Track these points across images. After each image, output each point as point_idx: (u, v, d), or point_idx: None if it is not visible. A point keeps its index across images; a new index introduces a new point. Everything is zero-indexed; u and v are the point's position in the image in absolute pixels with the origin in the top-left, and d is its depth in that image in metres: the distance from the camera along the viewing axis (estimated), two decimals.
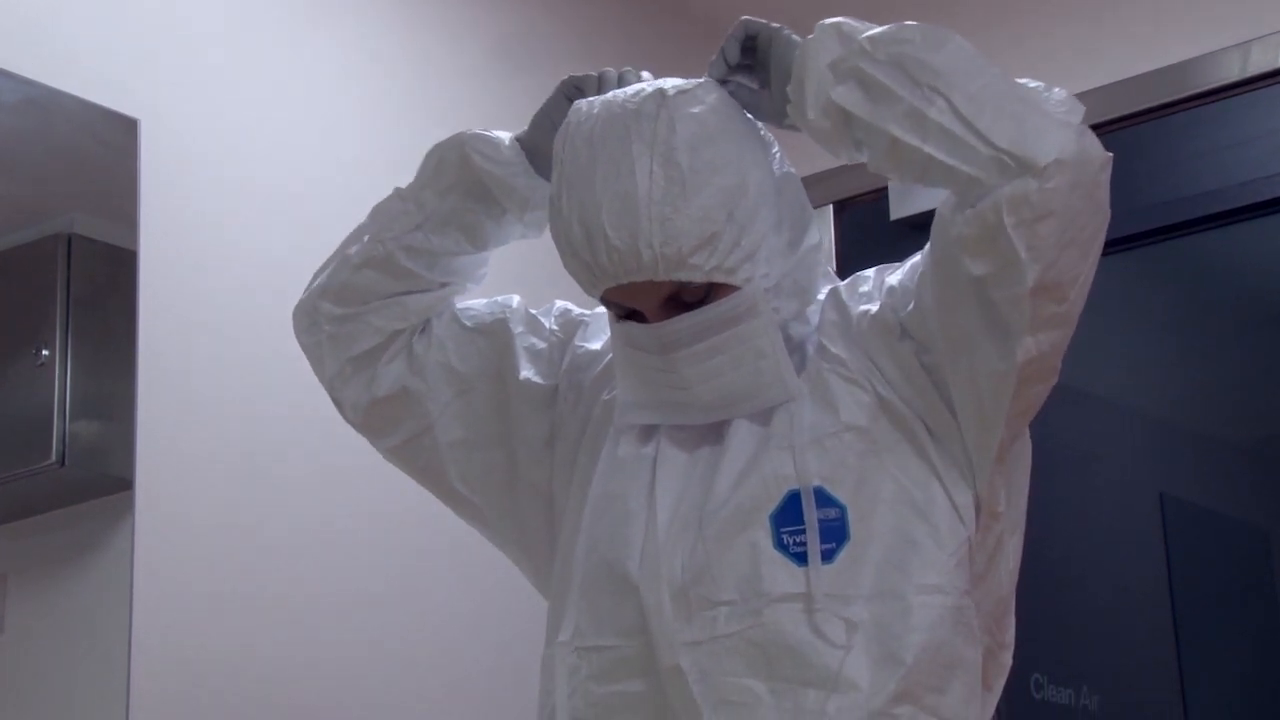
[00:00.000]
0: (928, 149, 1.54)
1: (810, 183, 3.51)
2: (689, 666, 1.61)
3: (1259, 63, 3.19)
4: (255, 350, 2.70)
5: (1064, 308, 1.58)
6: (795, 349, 1.72)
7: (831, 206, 3.57)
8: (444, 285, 1.88)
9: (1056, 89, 1.59)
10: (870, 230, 3.54)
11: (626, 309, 1.69)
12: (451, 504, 1.94)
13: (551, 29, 3.36)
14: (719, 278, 1.63)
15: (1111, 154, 1.59)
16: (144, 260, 2.55)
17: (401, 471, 1.98)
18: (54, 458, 2.42)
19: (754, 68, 1.70)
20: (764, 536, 1.62)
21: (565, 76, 1.81)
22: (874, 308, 1.70)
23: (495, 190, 1.81)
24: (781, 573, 1.61)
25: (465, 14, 3.21)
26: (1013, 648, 1.76)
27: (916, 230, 3.51)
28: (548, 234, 1.73)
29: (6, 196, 2.49)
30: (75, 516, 2.51)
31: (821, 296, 1.77)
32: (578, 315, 1.91)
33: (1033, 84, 1.59)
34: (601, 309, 1.80)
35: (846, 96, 1.57)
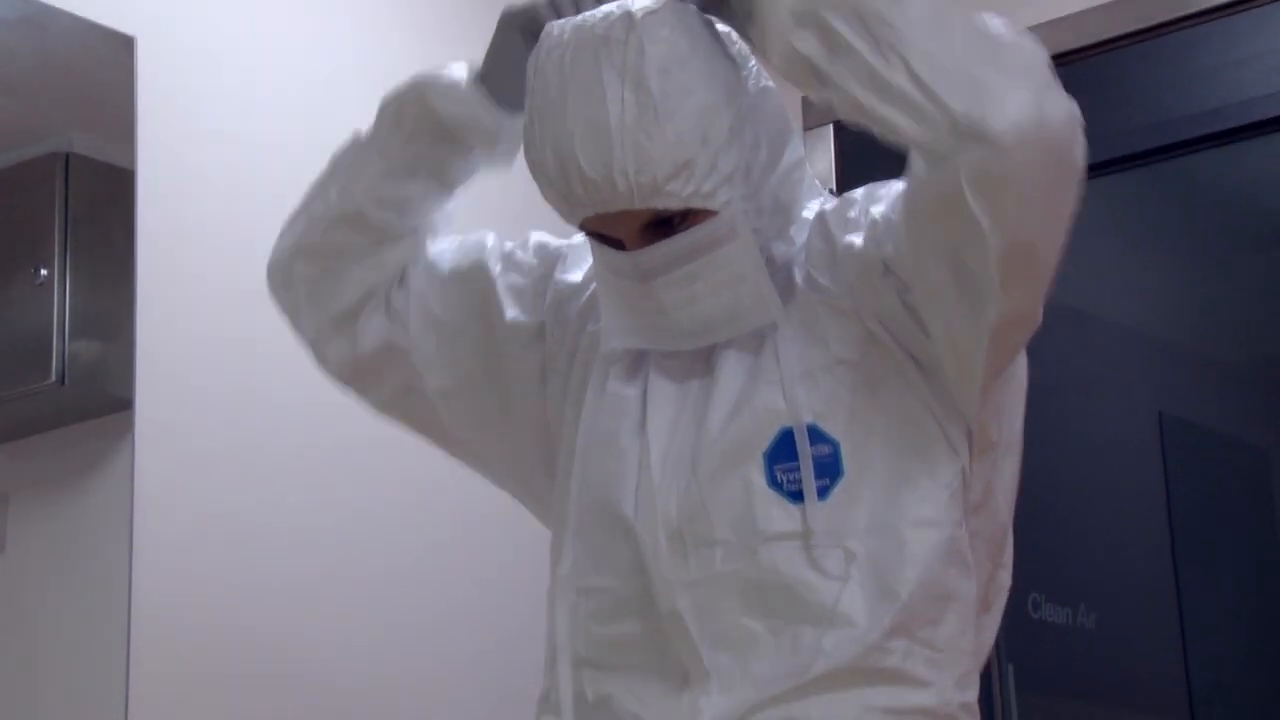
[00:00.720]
0: (884, 110, 1.51)
1: (810, 103, 3.52)
2: (686, 606, 1.62)
3: None
4: (254, 268, 2.67)
5: (1036, 267, 1.56)
6: (779, 269, 1.70)
7: (831, 126, 3.55)
8: (415, 231, 1.85)
9: (1023, 38, 1.53)
10: (869, 150, 3.51)
11: (606, 236, 1.67)
12: (448, 449, 1.93)
13: None
14: (696, 203, 1.60)
15: (1077, 111, 1.54)
16: (142, 179, 2.55)
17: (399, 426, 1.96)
18: (53, 377, 2.42)
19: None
20: (757, 474, 1.62)
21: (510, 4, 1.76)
22: (858, 240, 1.68)
23: (460, 131, 1.77)
24: (776, 510, 1.61)
25: None
26: (1011, 567, 1.77)
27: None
28: (522, 164, 1.70)
29: (3, 115, 2.48)
30: (75, 436, 2.51)
31: (808, 214, 1.74)
32: (555, 247, 1.89)
33: (998, 31, 1.53)
34: (580, 237, 1.78)
35: (808, 45, 1.53)
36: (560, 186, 1.61)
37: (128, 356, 2.49)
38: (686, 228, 1.61)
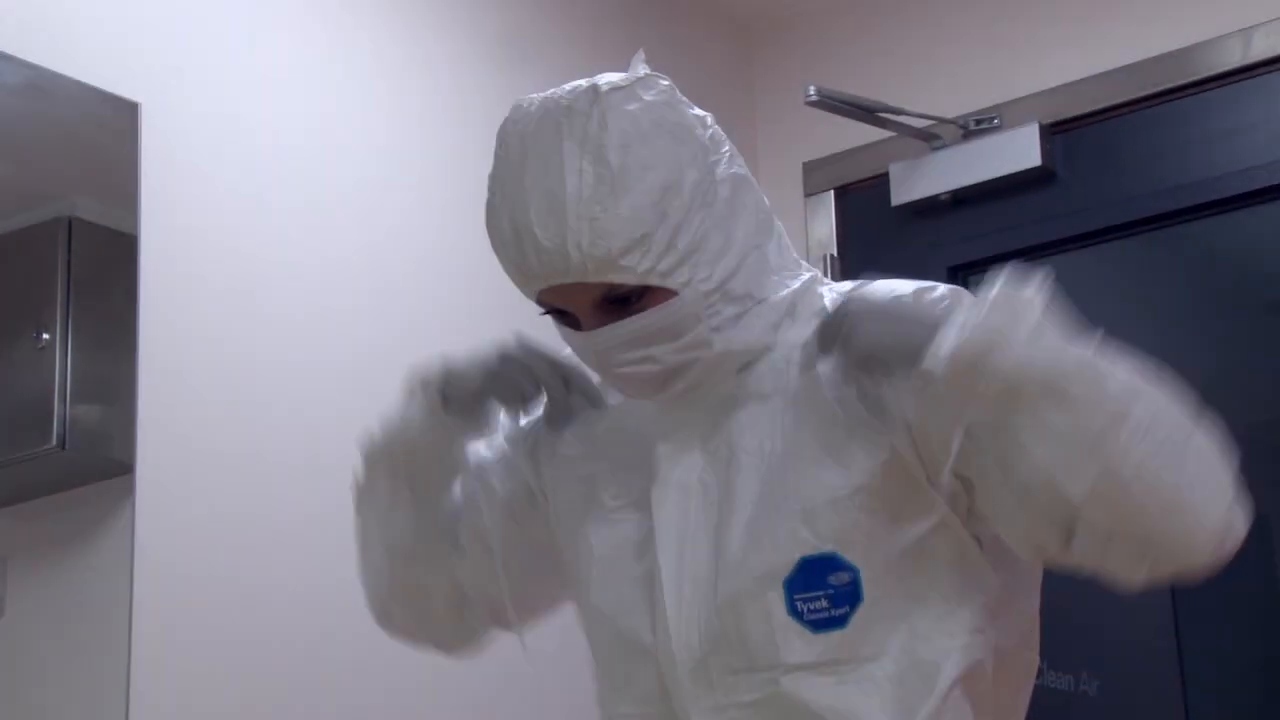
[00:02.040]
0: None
1: (811, 168, 3.54)
2: None
3: (1261, 49, 3.19)
4: (255, 335, 2.70)
5: None
6: (755, 355, 1.67)
7: (832, 192, 3.57)
8: (454, 521, 1.85)
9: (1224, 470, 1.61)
10: (871, 216, 3.54)
11: (558, 311, 1.63)
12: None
13: (555, 18, 3.36)
14: (653, 281, 1.56)
15: (1243, 528, 1.63)
16: (144, 244, 2.55)
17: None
18: (55, 441, 2.42)
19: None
20: (778, 604, 1.60)
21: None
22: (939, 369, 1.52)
23: (441, 454, 1.80)
24: (798, 641, 1.59)
25: (467, 2, 3.22)
26: (1038, 646, 1.75)
27: (917, 215, 3.51)
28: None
29: (7, 180, 2.48)
30: (76, 500, 2.51)
31: (793, 293, 1.69)
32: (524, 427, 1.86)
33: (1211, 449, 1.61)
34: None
35: (1029, 374, 1.49)
36: (515, 256, 1.58)
37: (129, 420, 2.49)
38: (643, 308, 1.58)
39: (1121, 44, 3.32)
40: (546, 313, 1.64)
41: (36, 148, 2.51)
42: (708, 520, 1.64)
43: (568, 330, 1.63)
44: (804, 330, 1.65)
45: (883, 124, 3.32)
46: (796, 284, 1.69)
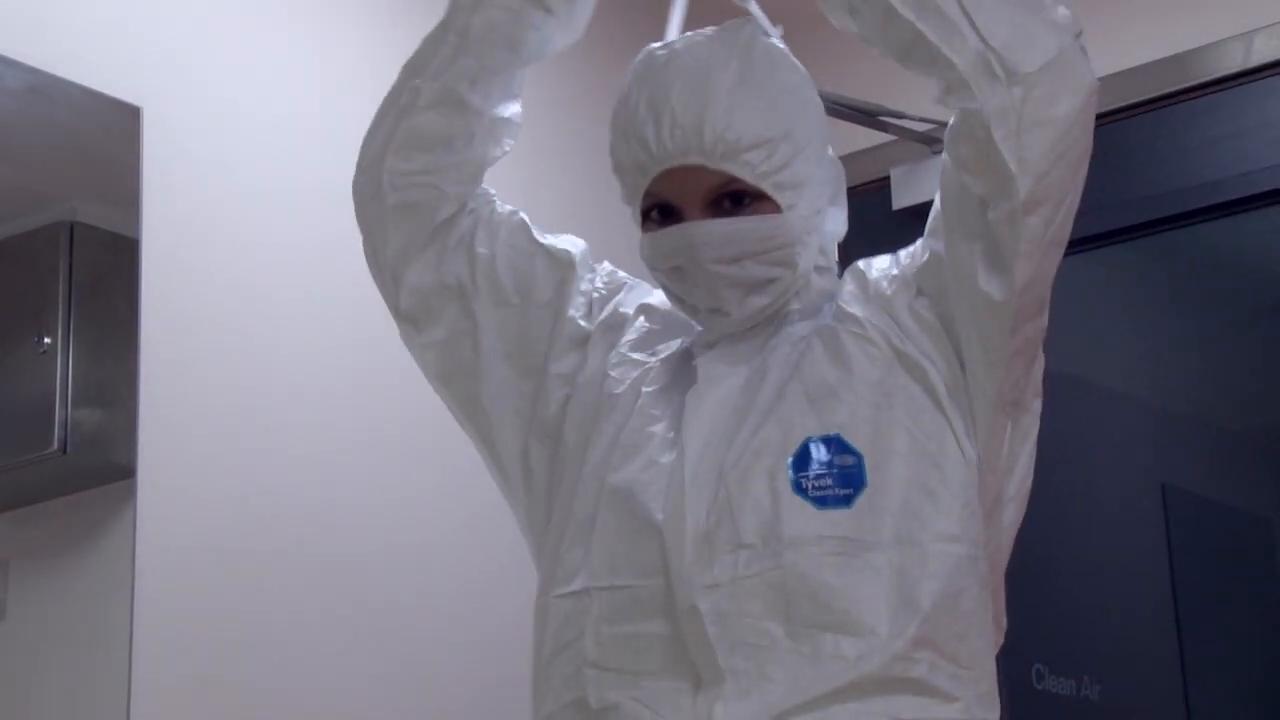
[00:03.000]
0: (920, 25, 1.59)
1: None
2: (707, 609, 1.61)
3: (1262, 52, 3.19)
4: (257, 338, 2.70)
5: (1052, 230, 1.61)
6: (815, 298, 1.77)
7: None
8: (493, 128, 1.84)
9: (1062, 7, 1.61)
10: (873, 220, 3.53)
11: (665, 212, 1.71)
12: (464, 414, 1.90)
13: None
14: (767, 186, 1.67)
15: (1098, 82, 1.61)
16: (146, 247, 2.55)
17: (423, 372, 1.91)
18: (56, 445, 2.42)
19: None
20: (783, 479, 1.64)
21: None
22: (894, 270, 1.75)
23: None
24: (801, 515, 1.62)
25: None
26: (1004, 630, 1.77)
27: (919, 219, 3.50)
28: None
29: (9, 184, 2.48)
30: (77, 504, 2.51)
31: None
32: (622, 278, 1.91)
33: None
34: (638, 283, 1.88)
35: None
36: (648, 133, 1.68)
37: (130, 424, 2.49)
38: (748, 213, 1.68)
39: (1122, 48, 3.32)
40: (647, 214, 1.72)
41: (38, 152, 2.51)
42: (732, 425, 1.69)
43: (664, 232, 1.71)
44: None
45: (884, 127, 3.32)
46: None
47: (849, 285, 1.76)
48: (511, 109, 1.86)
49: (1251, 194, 3.23)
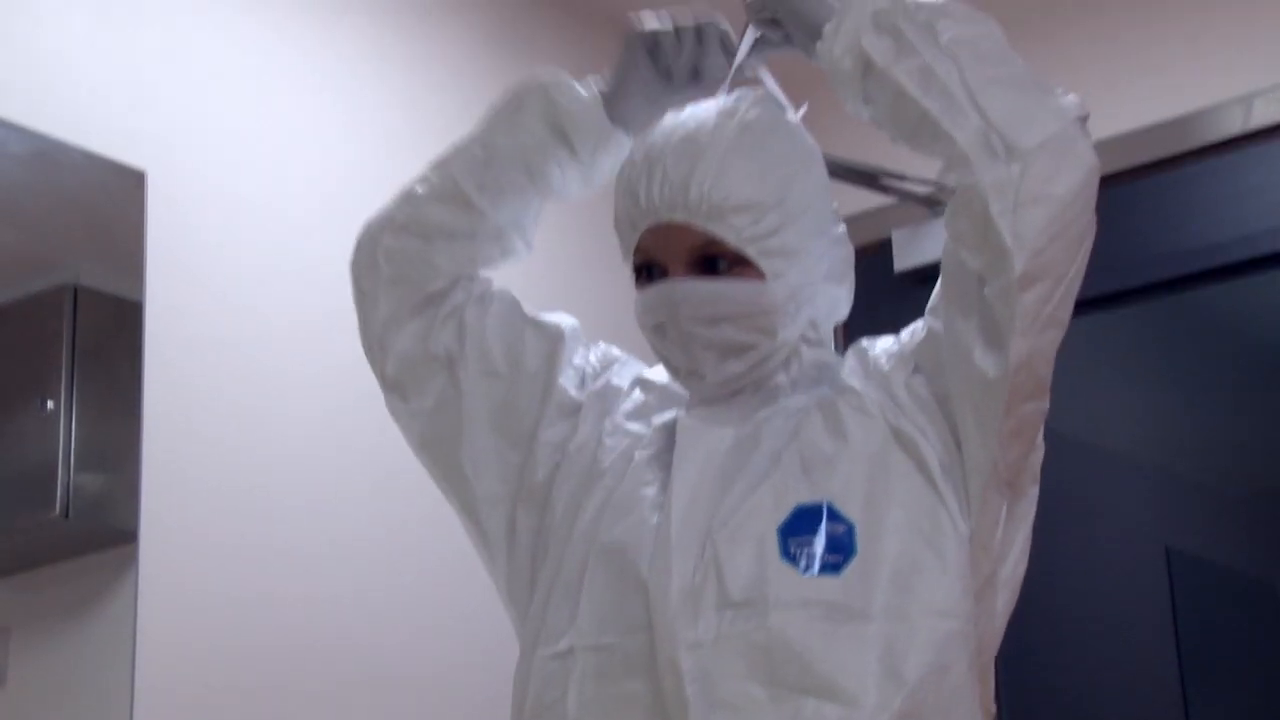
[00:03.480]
0: (925, 104, 1.60)
1: None
2: (689, 667, 1.61)
3: (1261, 116, 3.20)
4: (260, 404, 2.70)
5: (1050, 308, 1.60)
6: (806, 370, 1.76)
7: None
8: (500, 235, 1.88)
9: (1072, 94, 1.63)
10: (874, 283, 3.53)
11: (652, 270, 1.72)
12: (446, 483, 1.90)
13: (553, 54, 3.37)
14: (750, 251, 1.67)
15: (1098, 163, 1.61)
16: (149, 311, 2.56)
17: (405, 438, 1.92)
18: (58, 510, 2.41)
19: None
20: (772, 545, 1.63)
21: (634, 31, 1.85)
22: (894, 348, 1.75)
23: (570, 128, 1.83)
24: (788, 580, 1.61)
25: (477, 70, 3.23)
26: (992, 716, 1.75)
27: (920, 282, 3.52)
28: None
29: (13, 248, 2.49)
30: (79, 569, 2.50)
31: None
32: (614, 355, 1.93)
33: (1049, 83, 1.64)
34: (631, 358, 1.88)
35: (876, 46, 1.64)
36: (639, 186, 1.70)
37: (132, 489, 2.48)
38: (731, 277, 1.69)
39: (1123, 111, 3.33)
40: (638, 270, 1.74)
41: (43, 216, 2.52)
42: (720, 485, 1.69)
43: (649, 289, 1.73)
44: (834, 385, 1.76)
45: (884, 190, 3.33)
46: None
47: (850, 362, 1.76)
48: (519, 230, 1.90)
49: (1252, 257, 3.24)
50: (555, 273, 3.00)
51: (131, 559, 2.46)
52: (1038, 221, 1.56)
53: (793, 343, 1.75)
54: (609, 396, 1.87)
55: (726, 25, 1.84)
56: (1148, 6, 3.40)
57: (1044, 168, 1.56)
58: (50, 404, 2.44)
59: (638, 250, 1.73)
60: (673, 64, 1.82)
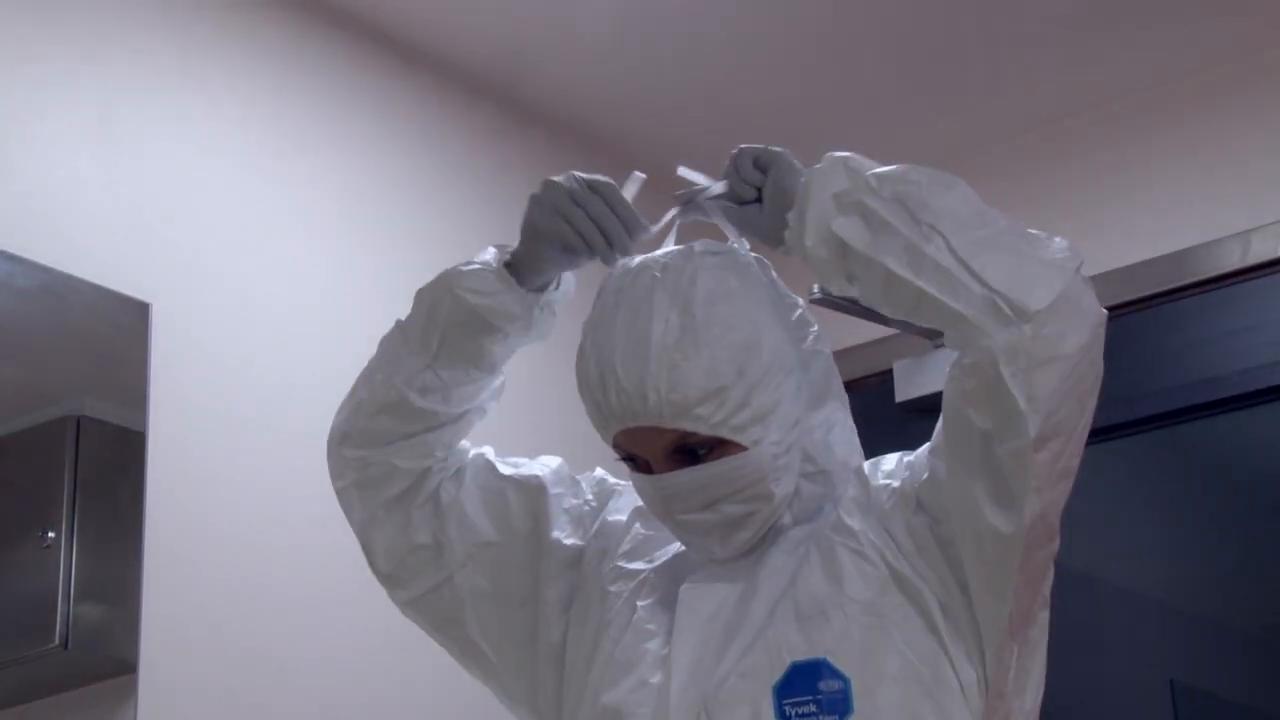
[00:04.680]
0: (920, 283, 1.56)
1: None
2: None
3: (1259, 251, 3.23)
4: (262, 536, 2.70)
5: (1062, 463, 1.58)
6: (807, 515, 1.74)
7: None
8: (462, 415, 1.86)
9: (1058, 238, 1.60)
10: (876, 413, 3.54)
11: (635, 457, 1.70)
12: (465, 658, 1.90)
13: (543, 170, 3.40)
14: (724, 434, 1.64)
15: (1106, 311, 1.59)
16: (152, 442, 2.56)
17: (419, 626, 1.92)
18: (57, 640, 2.40)
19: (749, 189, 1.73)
20: (767, 707, 1.61)
21: (531, 215, 1.78)
22: (895, 483, 1.70)
23: (492, 319, 1.79)
24: None
25: (469, 192, 3.26)
26: None
27: (922, 413, 3.52)
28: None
29: (18, 380, 2.50)
30: (78, 700, 2.49)
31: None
32: (612, 485, 1.91)
33: (1033, 231, 1.60)
34: (629, 485, 1.83)
35: (847, 228, 1.59)
36: (598, 396, 1.66)
37: (132, 620, 2.48)
38: (713, 459, 1.65)
39: (1122, 245, 3.36)
40: (622, 459, 1.71)
41: (48, 348, 2.53)
42: (722, 643, 1.67)
43: (639, 477, 1.70)
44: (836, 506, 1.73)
45: (886, 321, 3.35)
46: (851, 466, 1.77)
47: (852, 490, 1.73)
48: (480, 405, 1.88)
49: (1252, 390, 3.25)
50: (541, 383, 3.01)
51: (131, 690, 2.45)
52: (1051, 382, 1.53)
53: (792, 491, 1.72)
54: (608, 535, 1.85)
55: (615, 185, 1.75)
56: (1148, 143, 3.44)
57: (1055, 328, 1.52)
58: (51, 534, 2.44)
59: (616, 445, 1.71)
60: (578, 246, 1.74)
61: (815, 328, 1.76)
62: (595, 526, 1.86)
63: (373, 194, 3.09)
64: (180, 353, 2.64)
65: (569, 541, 1.85)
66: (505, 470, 1.88)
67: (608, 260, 1.73)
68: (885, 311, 1.63)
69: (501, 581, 1.85)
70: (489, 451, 1.90)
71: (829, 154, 1.64)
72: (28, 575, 2.47)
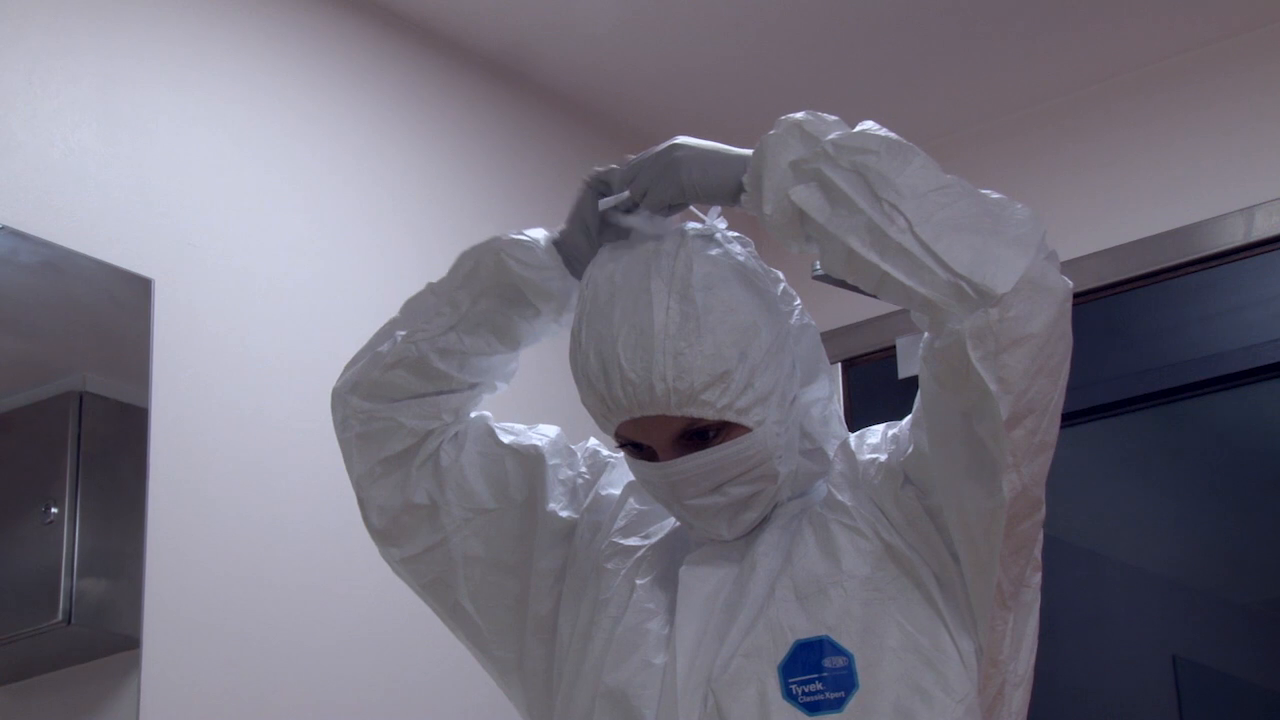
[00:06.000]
0: (885, 266, 1.54)
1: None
2: None
3: (1263, 228, 3.22)
4: (264, 510, 2.70)
5: (1039, 436, 1.57)
6: (802, 492, 1.74)
7: (840, 365, 3.59)
8: (474, 385, 1.86)
9: (1019, 206, 1.57)
10: (878, 388, 3.55)
11: (639, 445, 1.69)
12: (452, 621, 1.90)
13: (564, 182, 3.40)
14: (730, 417, 1.64)
15: (1072, 284, 1.58)
16: (155, 417, 2.56)
17: (406, 584, 1.92)
18: (60, 616, 2.41)
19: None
20: (773, 686, 1.62)
21: (589, 174, 1.78)
22: (882, 457, 1.71)
23: (530, 294, 1.79)
24: None
25: (472, 171, 3.26)
26: None
27: None
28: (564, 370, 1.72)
29: (21, 355, 2.50)
30: (81, 675, 2.49)
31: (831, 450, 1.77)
32: (606, 457, 1.91)
33: (995, 198, 1.58)
34: (623, 458, 1.82)
35: (805, 198, 1.58)
36: (601, 388, 1.65)
37: (135, 595, 2.48)
38: (719, 443, 1.65)
39: (1125, 222, 3.36)
40: (623, 446, 1.71)
41: (51, 323, 2.53)
42: (723, 623, 1.68)
43: (642, 464, 1.70)
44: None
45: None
46: (838, 443, 1.77)
47: (839, 465, 1.73)
48: (492, 379, 1.87)
49: (1255, 366, 3.25)
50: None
51: (134, 665, 2.45)
52: (1020, 363, 1.51)
53: (794, 469, 1.73)
54: (602, 509, 1.86)
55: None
56: (1151, 120, 3.43)
57: (1021, 309, 1.51)
58: (54, 510, 2.44)
59: (617, 434, 1.70)
60: (635, 202, 1.73)
61: (798, 301, 1.76)
62: (589, 500, 1.86)
63: (375, 172, 3.09)
64: (182, 328, 2.65)
65: (564, 514, 1.85)
66: (505, 438, 1.88)
67: (652, 231, 1.72)
68: (847, 279, 1.61)
69: (495, 548, 1.85)
70: (489, 417, 1.90)
71: (783, 117, 1.62)
72: (31, 550, 2.47)
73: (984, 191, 1.58)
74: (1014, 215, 1.56)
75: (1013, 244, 1.53)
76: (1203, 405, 3.40)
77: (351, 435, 1.86)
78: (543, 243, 1.79)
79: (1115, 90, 3.49)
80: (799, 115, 1.61)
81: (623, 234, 1.73)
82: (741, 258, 1.71)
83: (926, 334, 1.59)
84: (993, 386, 1.51)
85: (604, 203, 1.72)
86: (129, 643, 2.46)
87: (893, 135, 1.58)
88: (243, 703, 2.58)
